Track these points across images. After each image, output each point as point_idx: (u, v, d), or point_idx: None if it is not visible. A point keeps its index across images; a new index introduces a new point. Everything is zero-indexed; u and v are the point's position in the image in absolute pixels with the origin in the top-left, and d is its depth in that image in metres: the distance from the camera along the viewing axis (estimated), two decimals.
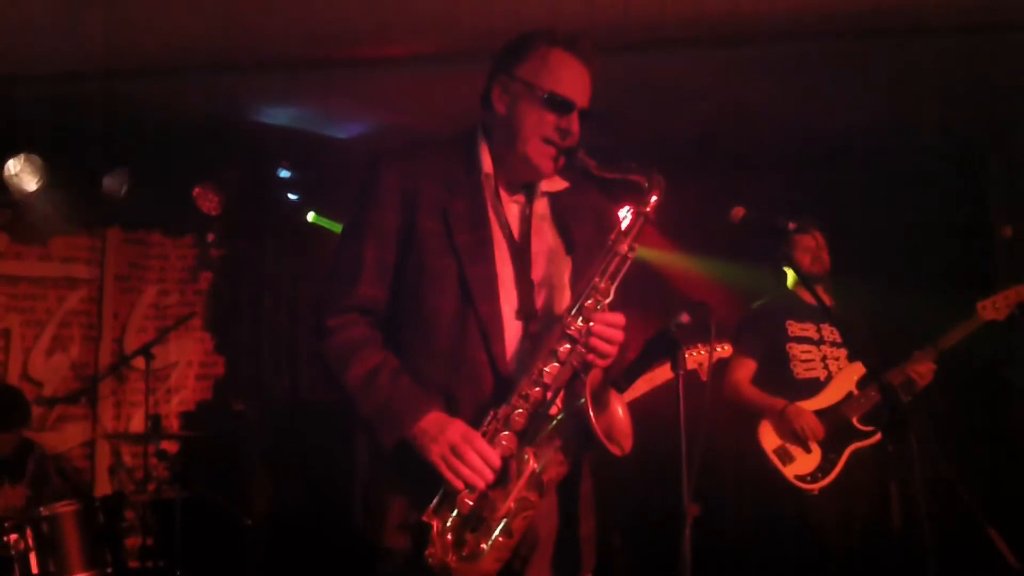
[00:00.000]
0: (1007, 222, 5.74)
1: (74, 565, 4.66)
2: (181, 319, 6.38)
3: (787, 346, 4.62)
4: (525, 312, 2.35)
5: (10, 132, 5.60)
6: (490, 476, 2.15)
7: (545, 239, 2.46)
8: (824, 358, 4.58)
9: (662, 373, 4.46)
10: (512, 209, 2.45)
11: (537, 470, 2.18)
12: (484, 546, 2.14)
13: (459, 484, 2.14)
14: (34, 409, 5.84)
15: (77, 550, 4.68)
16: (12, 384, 5.86)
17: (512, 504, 2.15)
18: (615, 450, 2.21)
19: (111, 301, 6.46)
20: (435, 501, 2.16)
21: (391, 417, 2.21)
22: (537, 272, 2.40)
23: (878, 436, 4.41)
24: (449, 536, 2.14)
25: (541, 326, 2.34)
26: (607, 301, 2.28)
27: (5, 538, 4.51)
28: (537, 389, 2.21)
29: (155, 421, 5.58)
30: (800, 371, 4.58)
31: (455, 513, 2.15)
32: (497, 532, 2.15)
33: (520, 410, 2.20)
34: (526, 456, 2.18)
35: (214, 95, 5.48)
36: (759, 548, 5.39)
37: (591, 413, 2.15)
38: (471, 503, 2.15)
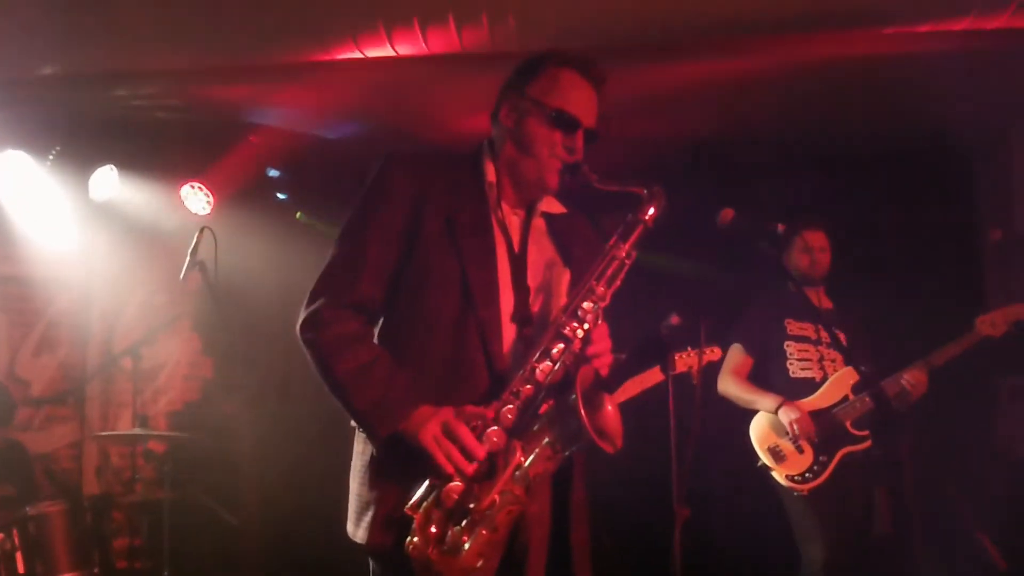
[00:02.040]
0: (996, 225, 5.77)
1: (61, 565, 4.64)
2: (169, 320, 6.36)
3: (784, 344, 4.62)
4: (520, 316, 2.38)
5: (3, 129, 5.57)
6: (482, 451, 2.15)
7: (543, 250, 2.52)
8: (821, 359, 4.59)
9: (652, 376, 4.47)
10: (512, 220, 2.50)
11: (524, 463, 2.19)
12: (466, 539, 2.14)
13: (448, 467, 2.14)
14: (21, 409, 5.82)
15: (64, 550, 4.67)
16: None
17: (497, 497, 2.15)
18: (606, 447, 2.21)
19: (99, 302, 6.43)
20: (419, 494, 2.16)
21: (386, 408, 2.21)
22: (534, 279, 2.44)
23: (870, 442, 4.42)
24: (432, 529, 2.14)
25: (535, 330, 2.36)
26: (603, 305, 2.32)
27: None
28: (529, 387, 2.23)
29: (143, 422, 5.56)
30: (796, 370, 4.58)
31: (439, 506, 2.15)
32: (480, 525, 2.15)
33: (510, 406, 2.21)
34: (513, 448, 2.18)
35: (204, 95, 5.47)
36: (750, 551, 5.40)
37: (582, 410, 2.15)
38: (456, 497, 2.15)
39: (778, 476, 4.48)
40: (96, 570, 4.78)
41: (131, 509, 5.57)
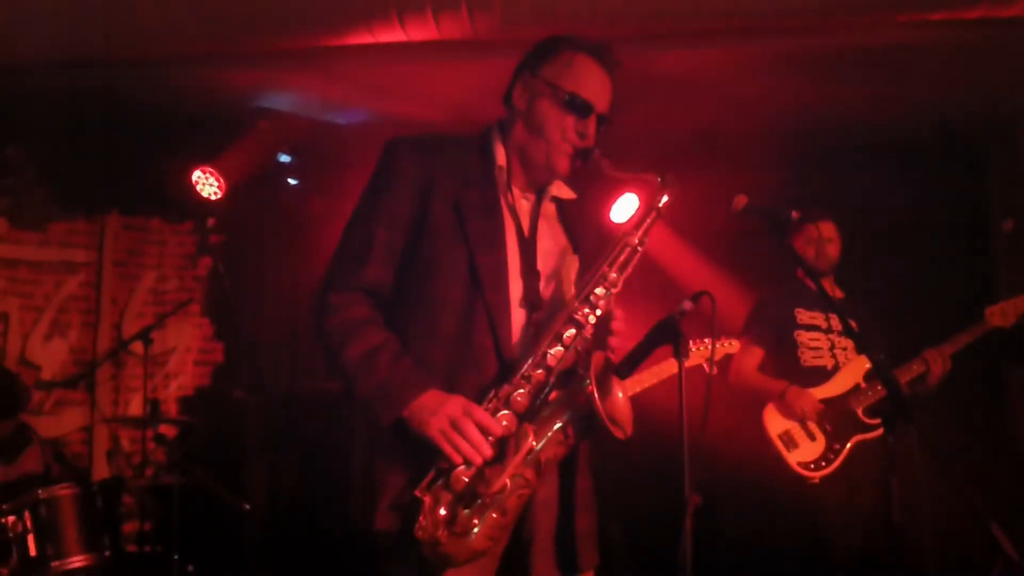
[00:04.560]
0: (1008, 215, 5.75)
1: (72, 548, 4.65)
2: (180, 304, 6.37)
3: (795, 333, 4.61)
4: (530, 301, 2.38)
5: (10, 118, 5.58)
6: (489, 451, 2.16)
7: (554, 236, 2.52)
8: (832, 347, 4.57)
9: (669, 367, 4.46)
10: (522, 204, 2.50)
11: (536, 447, 2.19)
12: (476, 523, 2.14)
13: (457, 458, 2.15)
14: (33, 393, 5.84)
15: (75, 533, 4.68)
16: (10, 369, 5.84)
17: (508, 480, 2.15)
18: (618, 433, 2.22)
19: (110, 286, 6.45)
20: (429, 477, 2.17)
21: (389, 394, 2.21)
22: (543, 264, 2.44)
23: (883, 430, 4.40)
24: (441, 511, 2.14)
25: (545, 315, 2.36)
26: (615, 292, 2.32)
27: (3, 520, 4.51)
28: (540, 371, 2.24)
29: (153, 406, 5.57)
30: (807, 359, 4.57)
31: (449, 489, 2.15)
32: (490, 509, 2.15)
33: (522, 391, 2.22)
34: (525, 432, 2.18)
35: (214, 80, 5.47)
36: (759, 539, 5.39)
37: (596, 395, 2.15)
38: (466, 480, 2.15)
39: (790, 463, 4.47)
40: (107, 553, 4.79)
41: (141, 493, 5.58)
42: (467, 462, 2.15)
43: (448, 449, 2.15)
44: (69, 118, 5.69)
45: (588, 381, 2.17)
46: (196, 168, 6.08)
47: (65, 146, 5.84)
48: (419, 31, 4.59)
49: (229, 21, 4.65)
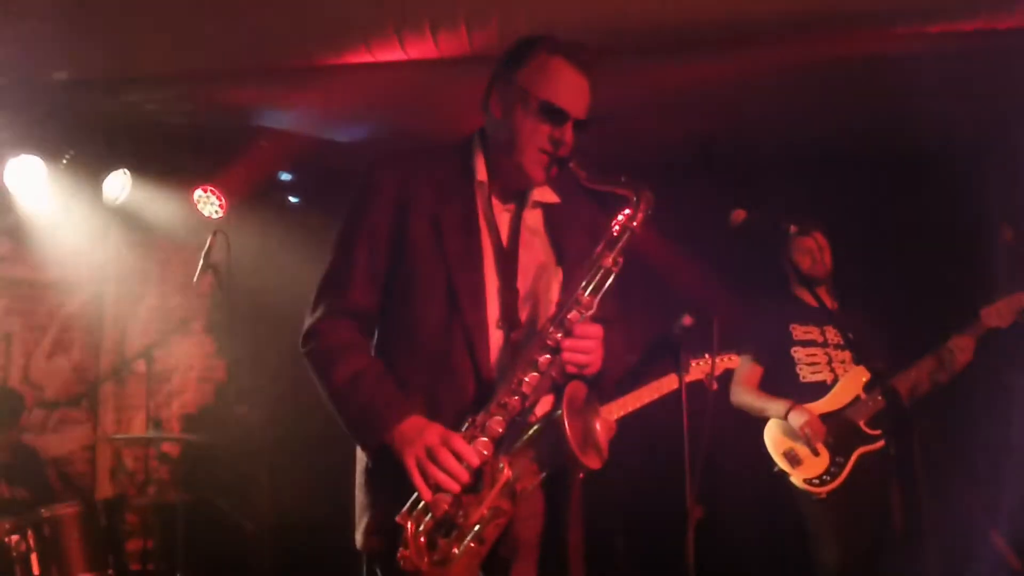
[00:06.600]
0: (1008, 224, 5.74)
1: (75, 567, 4.67)
2: (182, 323, 6.39)
3: (792, 350, 4.60)
4: (508, 321, 2.34)
5: (13, 135, 5.59)
6: (465, 477, 2.14)
7: (535, 251, 2.46)
8: (830, 360, 4.56)
9: (669, 382, 4.45)
10: (503, 218, 2.45)
11: (511, 479, 2.18)
12: (456, 551, 2.14)
13: (427, 494, 2.13)
14: (36, 411, 5.87)
15: (78, 552, 4.70)
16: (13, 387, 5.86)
17: (485, 511, 2.15)
18: (588, 463, 2.20)
19: (112, 305, 6.46)
20: (410, 502, 2.16)
21: (372, 420, 2.21)
22: (523, 282, 2.40)
23: (885, 440, 4.40)
24: (422, 539, 2.13)
25: (523, 335, 2.33)
26: (589, 314, 2.27)
27: (7, 539, 4.52)
28: (515, 398, 2.20)
29: (156, 424, 5.59)
30: (806, 374, 4.56)
31: (429, 516, 2.14)
32: (469, 538, 2.14)
33: (498, 417, 2.19)
34: (501, 465, 2.17)
35: (215, 99, 5.49)
36: (763, 553, 5.39)
37: (566, 425, 2.14)
38: (445, 507, 2.14)
39: (795, 480, 4.45)
40: (110, 572, 4.81)
41: (144, 511, 5.59)
42: (439, 490, 2.14)
43: (419, 482, 2.13)
44: (70, 134, 5.71)
45: (559, 412, 2.16)
46: (197, 186, 6.11)
47: (67, 163, 5.85)
48: (418, 49, 4.61)
49: (229, 40, 4.67)
